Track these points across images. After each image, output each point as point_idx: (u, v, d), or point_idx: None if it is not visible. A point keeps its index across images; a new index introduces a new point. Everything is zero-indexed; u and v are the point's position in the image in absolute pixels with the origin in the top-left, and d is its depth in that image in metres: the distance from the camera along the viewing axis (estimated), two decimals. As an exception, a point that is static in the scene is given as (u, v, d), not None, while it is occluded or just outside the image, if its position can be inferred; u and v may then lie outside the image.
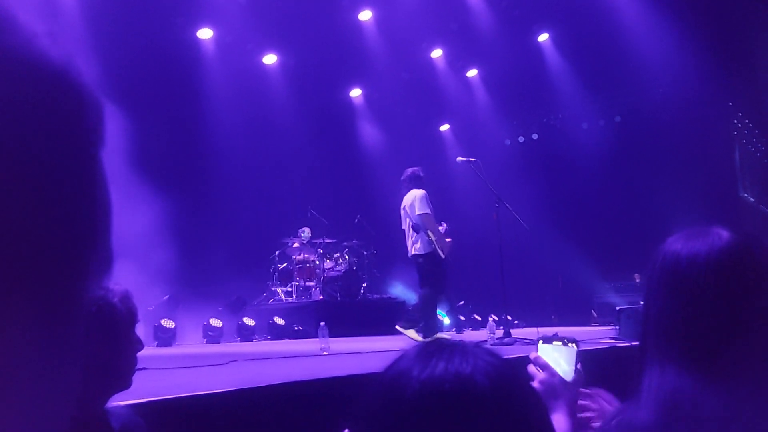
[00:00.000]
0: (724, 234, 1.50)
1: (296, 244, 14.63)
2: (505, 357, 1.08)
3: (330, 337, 7.98)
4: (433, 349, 1.05)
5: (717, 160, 16.87)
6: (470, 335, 12.18)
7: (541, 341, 2.16)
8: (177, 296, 12.11)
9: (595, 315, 16.20)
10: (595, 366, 2.30)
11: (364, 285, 14.65)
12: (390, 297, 15.08)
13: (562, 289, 17.88)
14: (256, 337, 12.30)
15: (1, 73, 0.48)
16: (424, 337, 8.90)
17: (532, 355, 2.13)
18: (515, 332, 9.57)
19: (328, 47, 16.05)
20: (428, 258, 9.27)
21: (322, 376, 4.59)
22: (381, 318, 12.29)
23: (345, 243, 15.22)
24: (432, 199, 9.55)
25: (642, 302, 1.56)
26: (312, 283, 14.32)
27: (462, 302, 15.54)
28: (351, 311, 13.45)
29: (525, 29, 17.40)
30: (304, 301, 13.97)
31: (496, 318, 11.96)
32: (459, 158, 10.39)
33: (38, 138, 0.49)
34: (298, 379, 4.48)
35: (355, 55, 16.63)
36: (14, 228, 0.48)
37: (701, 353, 1.42)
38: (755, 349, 1.39)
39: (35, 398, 0.51)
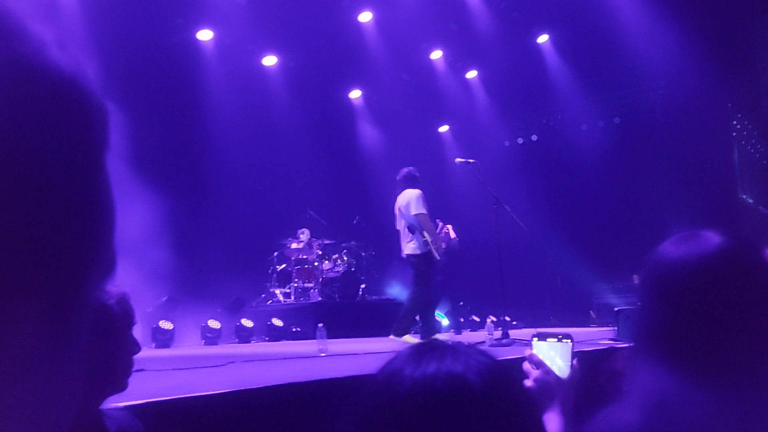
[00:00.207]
0: (715, 238, 1.50)
1: (295, 245, 14.63)
2: (501, 358, 1.09)
3: (328, 338, 7.99)
4: (425, 349, 1.06)
5: (716, 162, 16.89)
6: (469, 336, 12.16)
7: (535, 338, 2.15)
8: (175, 298, 12.10)
9: (594, 316, 16.21)
10: (593, 366, 2.30)
11: (363, 286, 14.66)
12: (388, 298, 15.08)
13: (560, 290, 17.92)
14: (255, 338, 12.30)
15: (12, 81, 0.49)
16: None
17: (526, 353, 2.13)
18: (513, 333, 9.57)
19: (327, 48, 16.06)
20: (423, 259, 9.23)
21: (320, 378, 4.59)
22: (379, 319, 12.29)
23: (344, 244, 15.24)
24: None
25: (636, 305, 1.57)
26: (310, 285, 14.33)
27: (461, 303, 15.53)
28: (349, 312, 13.45)
29: (524, 31, 17.41)
30: (303, 302, 13.98)
31: (495, 319, 11.96)
32: (458, 159, 10.39)
33: (46, 143, 0.50)
34: (296, 380, 4.48)
35: (355, 57, 16.64)
36: (21, 230, 0.49)
37: (690, 356, 1.42)
38: (744, 353, 1.39)
39: (39, 399, 0.52)
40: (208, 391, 3.85)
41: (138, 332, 2.20)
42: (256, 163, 15.66)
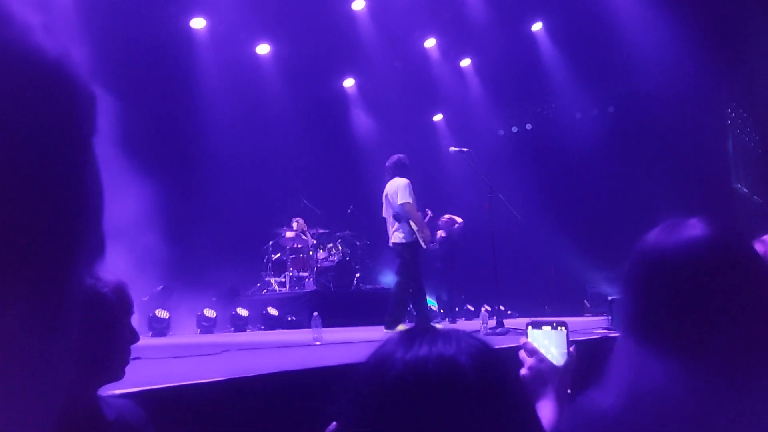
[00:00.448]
0: (700, 226, 1.50)
1: (289, 234, 14.63)
2: (495, 346, 1.10)
3: (323, 327, 8.00)
4: (416, 334, 1.07)
5: (710, 151, 16.90)
6: (463, 325, 12.19)
7: (530, 326, 2.16)
8: (171, 287, 12.13)
9: (588, 305, 16.25)
10: (587, 355, 2.31)
11: (357, 275, 14.67)
12: (383, 287, 15.10)
13: (554, 279, 17.94)
14: (250, 327, 12.32)
15: None
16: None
17: (521, 341, 2.13)
18: (508, 322, 9.59)
19: (321, 37, 16.01)
20: (409, 247, 9.15)
21: (314, 366, 4.60)
22: (374, 308, 12.29)
23: (338, 233, 15.26)
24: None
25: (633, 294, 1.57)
26: (305, 274, 14.35)
27: (463, 296, 15.56)
28: (344, 301, 13.46)
29: (518, 19, 17.39)
30: (298, 291, 14.00)
31: (489, 308, 12.02)
32: (452, 148, 10.37)
33: (31, 129, 0.50)
34: (291, 368, 4.49)
35: (349, 45, 16.61)
36: (6, 214, 0.48)
37: (671, 344, 1.42)
38: (726, 341, 1.40)
39: (26, 385, 0.52)
40: (203, 379, 3.86)
41: (135, 321, 2.19)
42: (249, 151, 15.63)
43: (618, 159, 17.45)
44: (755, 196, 20.22)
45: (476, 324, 9.84)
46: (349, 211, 15.51)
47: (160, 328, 10.59)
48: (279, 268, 14.71)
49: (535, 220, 15.69)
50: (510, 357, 1.73)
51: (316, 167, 17.14)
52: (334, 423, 1.10)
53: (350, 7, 16.22)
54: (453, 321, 13.85)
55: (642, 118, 17.45)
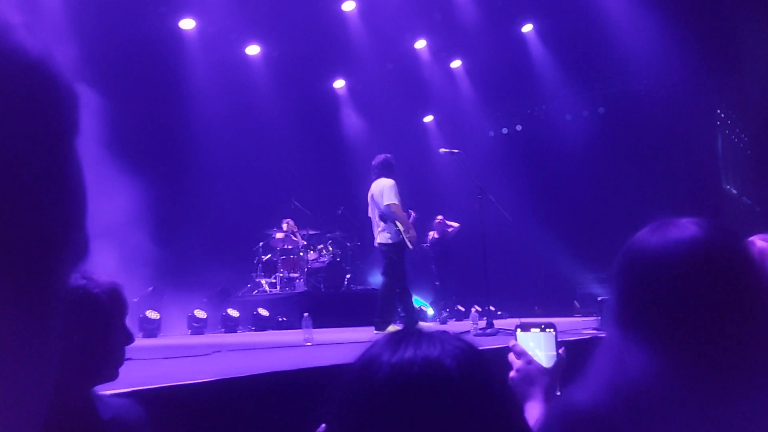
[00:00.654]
0: (691, 226, 1.50)
1: (280, 235, 14.63)
2: (485, 347, 1.11)
3: (314, 327, 8.00)
4: (402, 336, 1.09)
5: (700, 152, 16.98)
6: (453, 326, 12.21)
7: (518, 329, 2.17)
8: (161, 288, 12.11)
9: (578, 306, 16.28)
10: (576, 356, 2.32)
11: (348, 276, 14.68)
12: (374, 288, 15.08)
13: (545, 280, 17.97)
14: (241, 328, 12.31)
15: None
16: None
17: (510, 343, 2.14)
18: (498, 323, 9.60)
19: (311, 38, 16.01)
20: (395, 248, 9.14)
21: (305, 366, 4.61)
22: (364, 309, 12.28)
23: (329, 234, 15.26)
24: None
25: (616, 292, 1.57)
26: (296, 275, 14.34)
27: (453, 297, 15.56)
28: (335, 302, 13.47)
29: (509, 20, 17.40)
30: (288, 292, 13.99)
31: (480, 309, 12.02)
32: (442, 149, 10.38)
33: (12, 128, 0.50)
34: (282, 369, 4.49)
35: (339, 46, 16.60)
36: None
37: (654, 339, 1.43)
38: (714, 341, 1.40)
39: (10, 386, 0.52)
40: (194, 380, 3.87)
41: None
42: (239, 152, 15.61)
43: (608, 160, 17.49)
44: (744, 197, 20.30)
45: (467, 324, 9.85)
46: (339, 212, 15.50)
47: (150, 329, 10.57)
48: (269, 269, 14.70)
49: (526, 220, 15.70)
50: (499, 358, 1.74)
51: (307, 168, 17.12)
52: (323, 425, 1.11)
53: (340, 8, 16.21)
54: (443, 322, 13.86)
55: (632, 120, 17.50)
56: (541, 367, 2.07)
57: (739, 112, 19.58)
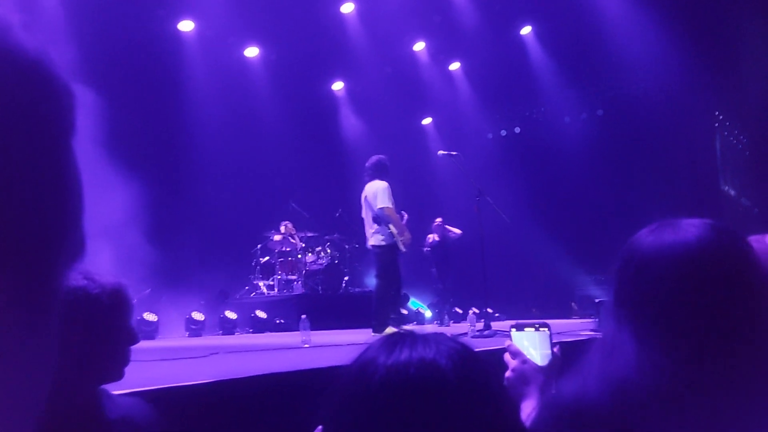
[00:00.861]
0: (694, 227, 1.50)
1: (278, 238, 14.63)
2: (482, 349, 1.12)
3: (311, 330, 8.00)
4: (396, 339, 1.09)
5: (698, 154, 17.00)
6: (451, 328, 12.21)
7: (513, 329, 2.18)
8: (159, 290, 12.10)
9: (576, 307, 16.29)
10: (572, 357, 2.33)
11: (346, 278, 14.69)
12: (371, 290, 15.08)
13: (543, 282, 17.98)
14: (238, 330, 12.31)
15: None
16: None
17: (506, 343, 2.16)
18: (496, 325, 9.61)
19: (310, 40, 16.01)
20: (387, 250, 9.08)
21: (302, 368, 4.61)
22: (362, 311, 12.26)
23: (327, 237, 15.26)
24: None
25: (612, 292, 1.57)
26: (294, 277, 14.34)
27: (451, 299, 15.56)
28: (332, 304, 13.47)
29: (507, 23, 17.42)
30: (286, 294, 13.99)
31: (477, 311, 12.02)
32: (441, 152, 10.39)
33: (8, 127, 0.50)
34: (280, 370, 4.50)
35: (338, 48, 16.60)
36: None
37: (648, 340, 1.43)
38: (714, 342, 1.40)
39: (6, 386, 0.52)
40: (192, 381, 3.87)
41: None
42: (238, 154, 15.60)
43: (606, 162, 17.51)
44: (743, 198, 20.31)
45: (464, 327, 9.85)
46: (337, 214, 15.50)
47: (148, 331, 10.55)
48: (267, 271, 14.70)
49: (524, 223, 15.70)
50: (495, 359, 1.75)
51: (305, 171, 17.12)
52: (320, 427, 1.12)
53: (339, 10, 16.22)
54: (442, 324, 13.85)
55: (630, 122, 17.52)
56: (536, 366, 2.08)
57: (738, 113, 19.56)
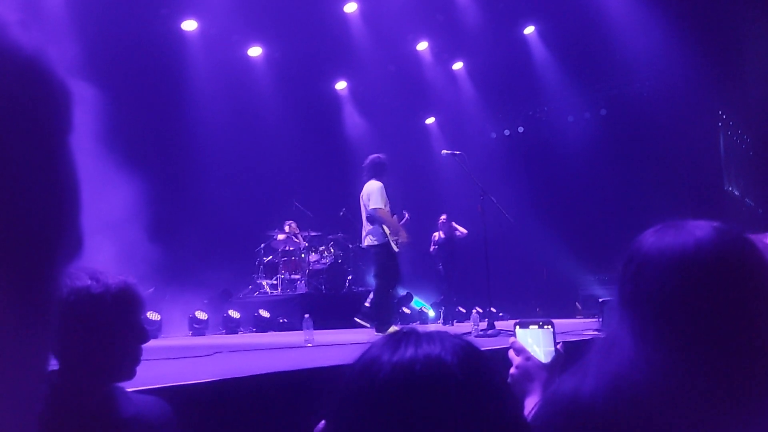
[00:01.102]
0: (700, 229, 1.49)
1: (281, 237, 14.63)
2: (486, 348, 1.12)
3: (315, 329, 8.00)
4: (400, 336, 1.10)
5: (702, 153, 16.96)
6: (455, 327, 12.21)
7: (517, 326, 2.19)
8: (162, 289, 12.10)
9: (580, 307, 16.28)
10: (576, 356, 2.33)
11: (349, 278, 14.68)
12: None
13: (546, 282, 17.98)
14: (242, 329, 12.31)
15: None
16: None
17: (510, 341, 2.16)
18: (499, 324, 9.61)
19: (313, 39, 16.01)
20: (382, 249, 9.03)
21: (305, 367, 4.61)
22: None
23: (330, 236, 15.25)
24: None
25: (616, 292, 1.57)
26: (297, 276, 14.34)
27: (455, 299, 15.55)
28: (336, 304, 13.44)
29: (511, 22, 17.42)
30: (290, 293, 13.99)
31: (481, 310, 12.02)
32: (444, 151, 10.38)
33: (4, 125, 0.50)
34: (283, 369, 4.50)
35: (341, 48, 16.60)
36: None
37: (655, 341, 1.43)
38: (711, 341, 1.40)
39: (3, 385, 0.52)
40: (195, 380, 3.87)
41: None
42: (241, 154, 15.61)
43: (610, 162, 17.50)
44: (746, 199, 20.28)
45: (468, 326, 9.85)
46: (341, 213, 15.48)
47: (151, 330, 10.41)
48: (271, 270, 14.69)
49: (527, 222, 15.71)
50: (499, 358, 1.75)
51: (308, 170, 17.10)
52: (323, 422, 1.11)
53: (342, 10, 16.22)
54: (446, 323, 13.83)
55: (634, 121, 17.50)
56: (540, 362, 2.09)
57: (742, 113, 19.56)
